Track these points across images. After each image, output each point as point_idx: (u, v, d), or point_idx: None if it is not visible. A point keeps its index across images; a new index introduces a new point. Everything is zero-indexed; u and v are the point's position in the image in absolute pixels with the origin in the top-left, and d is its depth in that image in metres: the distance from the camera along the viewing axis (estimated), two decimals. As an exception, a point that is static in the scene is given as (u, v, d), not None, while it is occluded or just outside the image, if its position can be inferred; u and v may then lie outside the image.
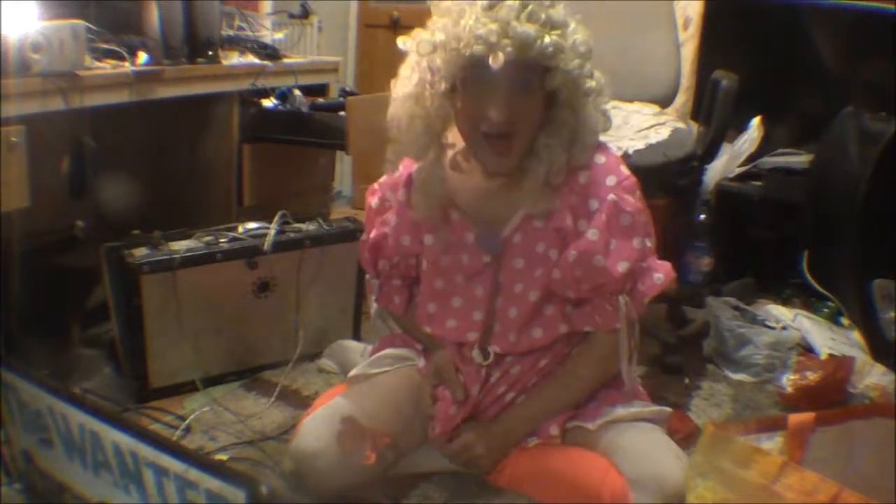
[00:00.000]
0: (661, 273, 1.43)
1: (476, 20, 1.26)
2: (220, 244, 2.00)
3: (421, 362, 1.56)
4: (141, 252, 1.90)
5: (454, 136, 1.43)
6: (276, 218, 2.10)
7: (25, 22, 1.66)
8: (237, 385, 2.04)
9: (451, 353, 1.51)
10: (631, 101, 2.34)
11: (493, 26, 1.25)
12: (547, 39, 1.27)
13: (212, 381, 1.99)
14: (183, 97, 2.13)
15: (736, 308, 2.36)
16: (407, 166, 1.50)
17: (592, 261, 1.38)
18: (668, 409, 1.51)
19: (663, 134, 2.21)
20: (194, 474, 0.96)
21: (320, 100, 2.66)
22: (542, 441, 1.46)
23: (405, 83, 1.39)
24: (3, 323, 1.79)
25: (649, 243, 1.43)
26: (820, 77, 2.68)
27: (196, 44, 2.15)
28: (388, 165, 1.49)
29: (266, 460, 1.68)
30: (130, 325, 1.91)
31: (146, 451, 1.01)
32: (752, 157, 2.67)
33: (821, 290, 2.49)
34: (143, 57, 2.01)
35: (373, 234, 1.56)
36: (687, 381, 2.16)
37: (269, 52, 2.52)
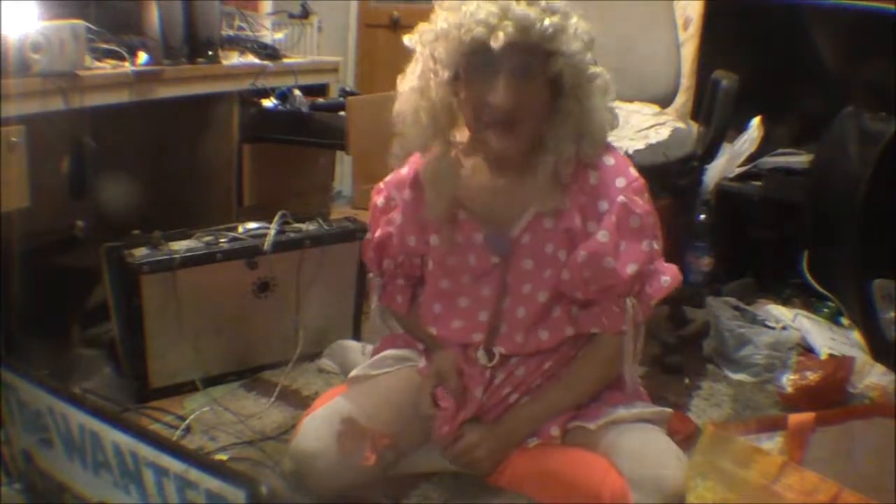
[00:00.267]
0: (668, 276, 1.43)
1: (477, 7, 1.28)
2: (220, 244, 2.00)
3: (422, 363, 1.56)
4: (141, 252, 1.90)
5: (462, 135, 1.44)
6: (276, 218, 2.10)
7: (25, 22, 1.66)
8: (237, 385, 2.04)
9: (454, 355, 1.51)
10: (631, 101, 2.34)
11: (494, 9, 1.27)
12: (547, 21, 1.28)
13: (212, 381, 1.99)
14: (183, 97, 2.13)
15: (736, 308, 2.36)
16: (413, 164, 1.50)
17: (602, 262, 1.38)
18: (669, 410, 1.51)
19: (663, 134, 2.21)
20: (194, 474, 0.96)
21: (320, 100, 2.66)
22: (543, 441, 1.46)
23: (410, 77, 1.40)
24: (3, 323, 1.79)
25: (657, 245, 1.43)
26: (820, 77, 2.68)
27: (196, 44, 2.15)
28: (395, 160, 1.49)
29: (266, 460, 1.68)
30: (130, 325, 1.91)
31: (146, 451, 1.01)
32: (752, 157, 2.67)
33: (821, 290, 2.49)
34: (143, 57, 2.01)
35: (378, 232, 1.55)
36: (687, 381, 2.16)
37: (269, 52, 2.52)
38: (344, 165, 3.72)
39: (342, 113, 2.43)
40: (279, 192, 2.52)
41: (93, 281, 2.04)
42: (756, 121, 2.60)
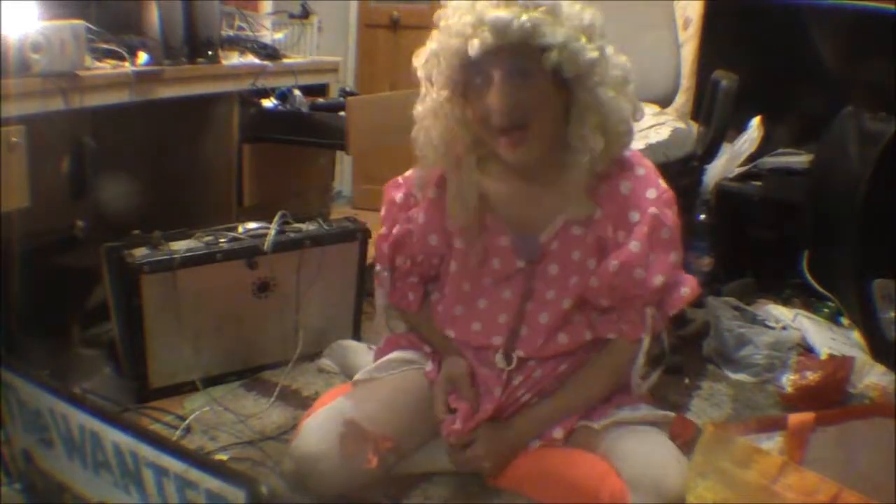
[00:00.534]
0: (688, 287, 1.43)
1: (458, 19, 1.28)
2: (220, 244, 1.99)
3: (429, 366, 1.54)
4: (141, 252, 1.90)
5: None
6: (276, 218, 2.10)
7: (25, 22, 1.66)
8: (237, 385, 2.04)
9: (469, 358, 1.50)
10: (631, 101, 2.34)
11: (470, 18, 1.26)
12: (524, 17, 1.25)
13: (212, 381, 1.99)
14: (183, 97, 2.13)
15: (736, 308, 2.36)
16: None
17: (632, 272, 1.38)
18: (672, 414, 1.51)
19: (663, 134, 2.21)
20: (194, 474, 0.96)
21: (320, 100, 2.66)
22: (544, 443, 1.46)
23: (420, 102, 1.40)
24: (3, 323, 1.79)
25: (679, 257, 1.43)
26: (820, 77, 2.68)
27: (196, 44, 2.15)
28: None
29: (266, 460, 1.68)
30: (130, 325, 1.91)
31: (146, 451, 1.01)
32: (752, 157, 2.67)
33: (821, 290, 2.49)
34: (143, 57, 2.01)
35: (395, 229, 1.52)
36: (687, 381, 2.16)
37: (269, 52, 2.52)
38: (344, 165, 3.72)
39: (342, 113, 2.42)
40: (279, 192, 2.52)
41: (93, 281, 2.04)
42: (756, 121, 2.60)
